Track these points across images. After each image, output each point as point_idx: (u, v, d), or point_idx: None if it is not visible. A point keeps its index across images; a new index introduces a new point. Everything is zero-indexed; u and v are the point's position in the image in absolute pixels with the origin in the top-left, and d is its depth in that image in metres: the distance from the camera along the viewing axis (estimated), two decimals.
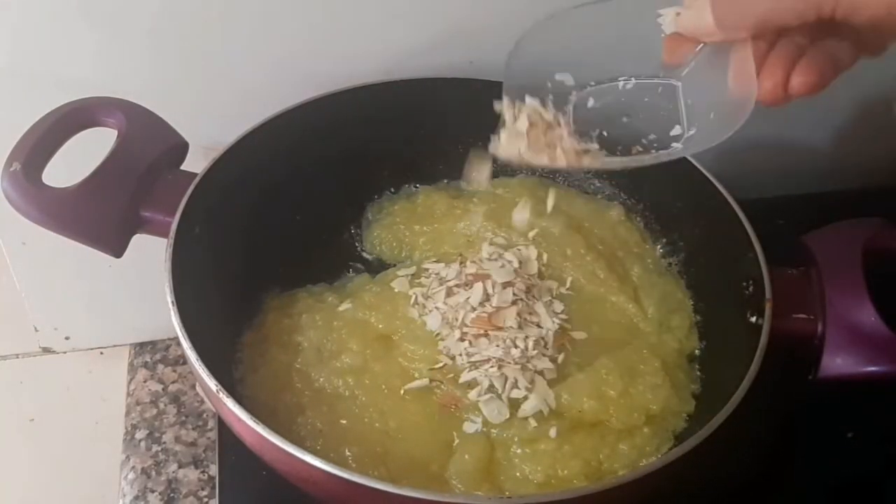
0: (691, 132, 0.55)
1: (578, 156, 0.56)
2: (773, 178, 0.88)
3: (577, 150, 0.56)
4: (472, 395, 0.61)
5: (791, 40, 0.49)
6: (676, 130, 0.56)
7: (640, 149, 0.56)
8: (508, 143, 0.56)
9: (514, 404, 0.61)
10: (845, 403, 0.71)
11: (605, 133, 0.57)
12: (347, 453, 0.59)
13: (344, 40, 0.72)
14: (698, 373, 0.67)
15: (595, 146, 0.56)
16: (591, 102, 0.58)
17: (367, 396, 0.62)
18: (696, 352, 0.68)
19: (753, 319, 0.61)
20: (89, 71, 0.68)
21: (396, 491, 0.49)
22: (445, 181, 0.78)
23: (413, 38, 0.73)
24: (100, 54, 0.68)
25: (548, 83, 0.58)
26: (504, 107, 0.56)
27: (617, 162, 0.57)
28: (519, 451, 0.60)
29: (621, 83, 0.58)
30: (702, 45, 0.52)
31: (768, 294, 0.60)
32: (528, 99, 0.57)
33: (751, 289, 0.62)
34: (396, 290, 0.68)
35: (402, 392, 0.62)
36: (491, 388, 0.61)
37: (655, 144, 0.56)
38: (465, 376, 0.62)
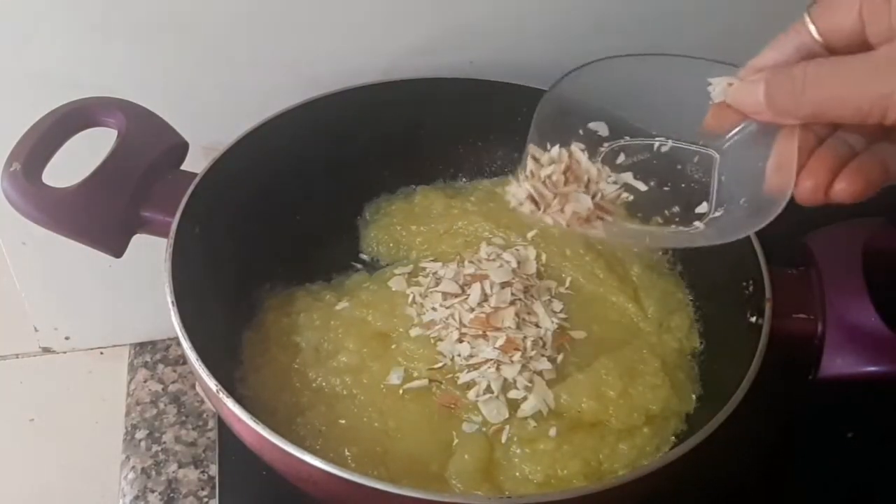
0: (717, 213, 0.51)
1: (588, 221, 0.51)
2: None
3: (589, 213, 0.51)
4: (471, 394, 0.61)
5: (843, 138, 0.45)
6: (703, 208, 0.52)
7: (661, 220, 0.53)
8: (519, 191, 0.53)
9: (514, 404, 0.61)
10: (845, 403, 0.71)
11: (629, 197, 0.54)
12: (347, 453, 0.59)
13: (344, 40, 0.72)
14: (698, 373, 0.66)
15: (609, 219, 0.52)
16: (621, 158, 0.55)
17: (366, 396, 0.62)
18: (696, 352, 0.68)
19: (753, 319, 0.61)
20: (89, 71, 0.68)
21: (396, 491, 0.49)
22: (443, 181, 0.78)
23: (413, 38, 0.73)
24: (100, 54, 0.68)
25: (580, 131, 0.55)
26: (528, 154, 0.53)
27: (631, 232, 0.52)
28: (518, 450, 0.60)
29: (657, 143, 0.55)
30: (748, 121, 0.48)
31: (768, 294, 0.60)
32: (573, 146, 0.53)
33: (751, 289, 0.62)
34: (394, 289, 0.68)
35: (401, 392, 0.62)
36: (489, 388, 0.61)
37: (677, 219, 0.53)
38: (464, 377, 0.62)
